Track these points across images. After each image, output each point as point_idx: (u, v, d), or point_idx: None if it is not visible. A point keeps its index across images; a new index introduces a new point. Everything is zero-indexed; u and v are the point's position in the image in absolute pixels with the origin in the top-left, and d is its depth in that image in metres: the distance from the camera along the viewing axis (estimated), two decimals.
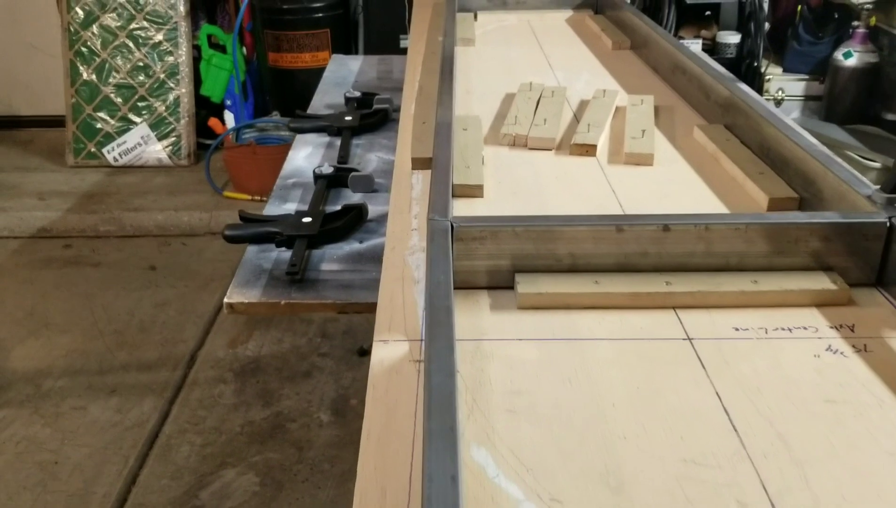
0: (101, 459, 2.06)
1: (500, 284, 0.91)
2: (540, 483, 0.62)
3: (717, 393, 0.72)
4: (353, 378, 2.39)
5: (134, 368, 2.44)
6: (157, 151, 3.77)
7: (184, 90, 3.74)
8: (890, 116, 3.09)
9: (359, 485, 0.62)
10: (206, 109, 3.76)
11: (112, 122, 3.76)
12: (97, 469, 2.03)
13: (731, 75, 1.80)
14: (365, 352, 2.50)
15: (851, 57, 3.06)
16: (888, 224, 0.87)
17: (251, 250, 1.15)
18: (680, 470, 0.64)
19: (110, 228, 3.35)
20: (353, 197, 1.33)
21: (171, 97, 3.75)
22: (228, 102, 3.70)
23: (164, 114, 3.75)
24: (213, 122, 3.56)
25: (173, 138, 3.77)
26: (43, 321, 2.71)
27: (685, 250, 0.89)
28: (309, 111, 1.77)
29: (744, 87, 1.64)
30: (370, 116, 1.66)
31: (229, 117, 3.68)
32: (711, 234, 0.89)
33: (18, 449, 2.10)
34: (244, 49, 3.76)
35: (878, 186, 0.92)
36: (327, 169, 1.34)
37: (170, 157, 3.77)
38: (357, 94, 1.77)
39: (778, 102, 3.19)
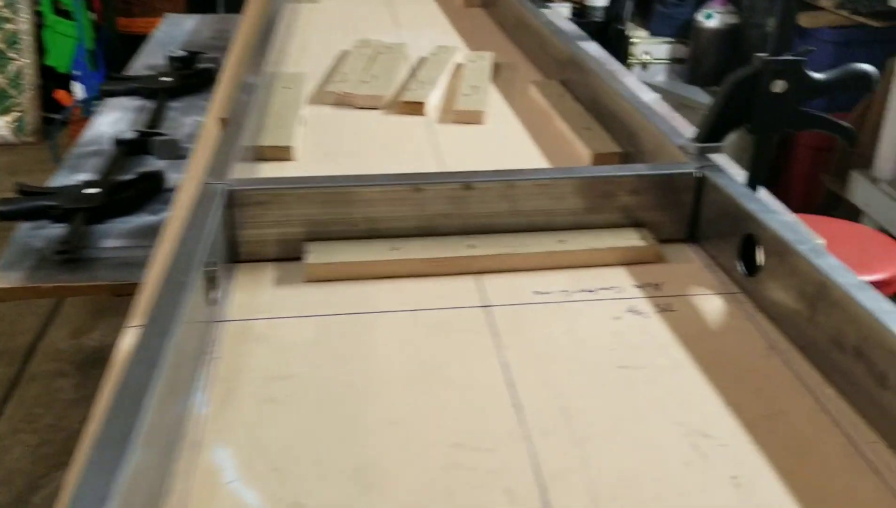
0: None
1: (292, 254, 0.81)
2: (285, 485, 0.54)
3: (504, 365, 0.66)
4: None
5: None
6: None
7: (26, 61, 3.44)
8: None
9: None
10: (52, 80, 3.47)
11: None
12: None
13: (581, 33, 1.76)
14: None
15: (712, 18, 3.10)
16: (697, 176, 0.83)
17: (24, 227, 1.01)
18: (448, 458, 0.56)
19: None
20: (159, 164, 1.20)
21: (11, 69, 3.43)
22: (76, 73, 3.42)
23: (5, 87, 3.44)
24: (59, 94, 3.29)
25: (16, 113, 3.46)
26: None
27: (490, 209, 0.82)
28: (130, 73, 1.61)
29: (587, 43, 1.59)
30: (192, 76, 1.52)
31: (78, 88, 3.41)
32: (516, 191, 0.82)
33: None
34: (92, 14, 3.48)
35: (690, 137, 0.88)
36: (130, 134, 1.21)
37: (13, 133, 3.46)
38: (181, 53, 1.63)
39: (644, 66, 3.21)
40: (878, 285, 1.65)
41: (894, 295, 1.94)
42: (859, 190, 2.48)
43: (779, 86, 0.82)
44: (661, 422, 0.60)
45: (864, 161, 2.51)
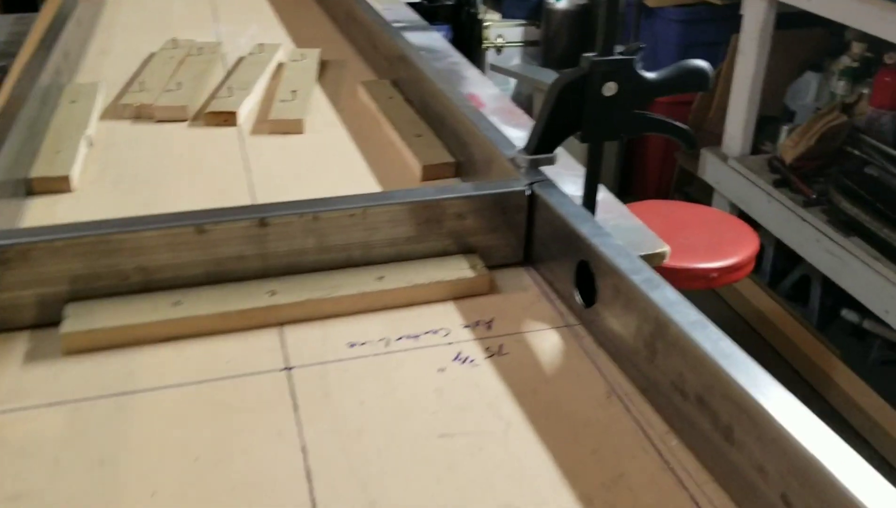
0: None
1: (54, 319, 0.66)
2: None
3: (303, 447, 0.54)
4: None
5: None
6: None
7: None
8: None
9: None
10: None
11: None
12: None
13: (422, 23, 1.66)
14: None
15: (562, 0, 3.08)
16: (527, 193, 0.74)
17: None
18: None
19: None
20: None
21: None
22: None
23: None
24: None
25: None
26: None
27: (293, 247, 0.70)
28: None
29: (427, 34, 1.49)
30: None
31: None
32: (323, 224, 0.70)
33: None
34: None
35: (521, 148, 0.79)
36: None
37: None
38: None
39: (499, 49, 3.16)
40: (729, 269, 1.65)
41: (746, 278, 1.98)
42: (710, 168, 2.52)
43: (609, 89, 0.74)
44: (487, 507, 0.50)
45: (715, 138, 2.55)
